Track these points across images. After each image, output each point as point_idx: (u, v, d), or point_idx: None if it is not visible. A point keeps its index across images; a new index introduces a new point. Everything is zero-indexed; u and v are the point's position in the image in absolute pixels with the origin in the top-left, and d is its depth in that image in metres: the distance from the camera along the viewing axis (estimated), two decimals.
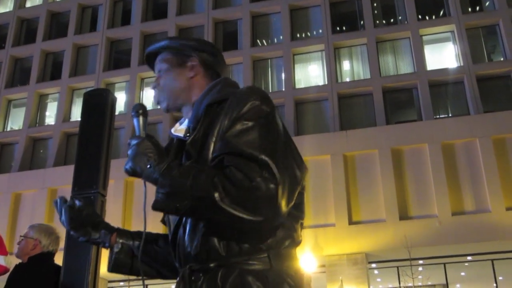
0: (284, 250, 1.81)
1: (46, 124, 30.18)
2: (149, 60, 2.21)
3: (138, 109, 1.94)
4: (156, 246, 2.14)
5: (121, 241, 2.13)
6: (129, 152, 1.81)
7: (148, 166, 1.74)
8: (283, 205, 1.66)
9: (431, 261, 21.81)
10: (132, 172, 1.79)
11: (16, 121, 30.66)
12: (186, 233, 1.84)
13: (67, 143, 28.61)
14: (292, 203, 1.74)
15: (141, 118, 1.93)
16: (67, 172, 20.91)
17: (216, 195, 1.61)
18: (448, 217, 21.04)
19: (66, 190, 22.69)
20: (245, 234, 1.74)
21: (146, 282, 23.86)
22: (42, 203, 25.20)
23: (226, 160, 1.68)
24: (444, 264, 22.17)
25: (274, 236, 1.78)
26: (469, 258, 22.12)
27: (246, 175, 1.62)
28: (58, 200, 2.11)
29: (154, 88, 2.13)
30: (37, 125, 30.00)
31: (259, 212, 1.63)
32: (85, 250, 3.53)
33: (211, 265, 1.75)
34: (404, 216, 21.68)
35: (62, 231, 4.44)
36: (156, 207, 1.69)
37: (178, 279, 1.88)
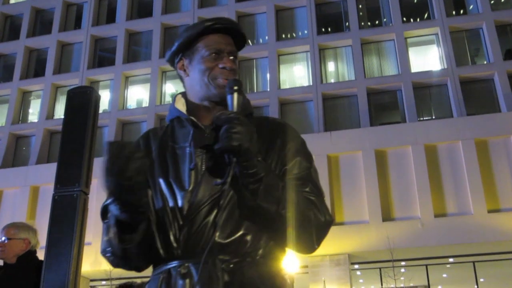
0: None
1: (29, 121, 29.96)
2: (222, 30, 1.88)
3: (233, 85, 1.71)
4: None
5: None
6: (230, 126, 1.59)
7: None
8: None
9: (413, 262, 21.91)
10: (241, 151, 1.59)
11: None
12: (220, 222, 1.67)
13: (50, 140, 28.42)
14: None
15: (235, 95, 1.69)
16: (50, 170, 20.77)
17: (312, 214, 1.71)
18: (430, 219, 21.16)
19: (48, 187, 22.57)
20: (276, 235, 1.73)
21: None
22: (24, 200, 25.03)
23: (310, 188, 1.74)
24: (426, 265, 22.30)
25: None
26: (451, 260, 22.28)
27: (326, 209, 1.75)
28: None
29: (233, 62, 1.86)
30: (20, 122, 29.77)
31: (319, 242, 1.75)
32: (66, 248, 3.50)
33: (237, 259, 1.67)
34: (387, 217, 21.77)
35: (42, 228, 4.40)
36: (258, 197, 1.64)
37: (172, 272, 1.67)
